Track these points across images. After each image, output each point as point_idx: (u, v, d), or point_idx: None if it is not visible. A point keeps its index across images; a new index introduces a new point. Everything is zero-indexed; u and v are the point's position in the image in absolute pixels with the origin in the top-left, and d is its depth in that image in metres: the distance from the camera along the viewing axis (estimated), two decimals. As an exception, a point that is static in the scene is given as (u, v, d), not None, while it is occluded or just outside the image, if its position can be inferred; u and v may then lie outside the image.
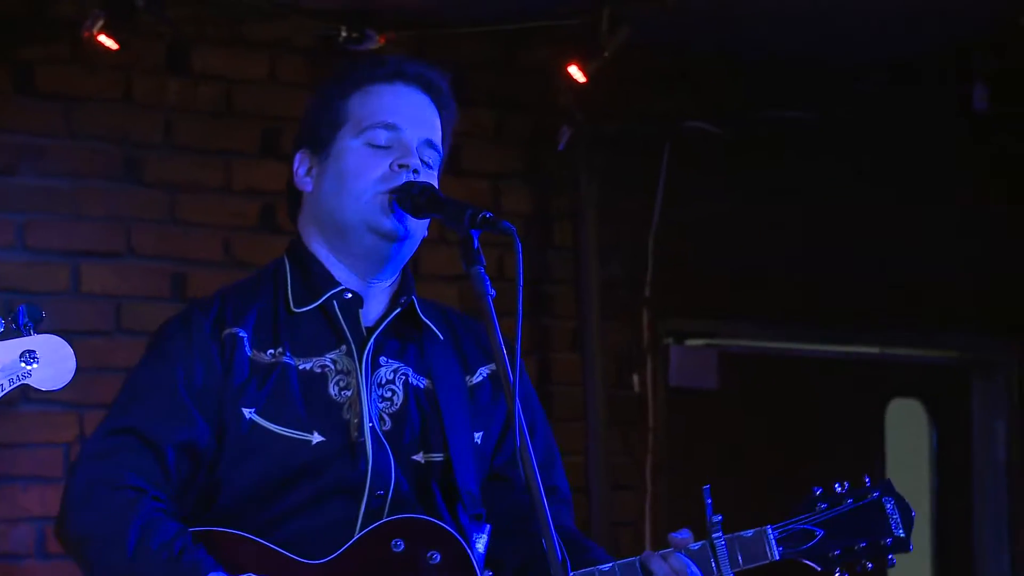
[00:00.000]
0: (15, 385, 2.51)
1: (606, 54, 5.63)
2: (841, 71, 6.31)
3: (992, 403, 7.00)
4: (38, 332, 2.55)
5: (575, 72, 5.73)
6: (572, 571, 2.97)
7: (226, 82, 5.69)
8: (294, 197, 3.24)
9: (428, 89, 3.21)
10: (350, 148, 3.15)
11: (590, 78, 5.73)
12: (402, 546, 3.04)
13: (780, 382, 6.66)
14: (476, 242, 2.91)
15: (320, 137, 3.19)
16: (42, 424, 5.27)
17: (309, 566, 3.01)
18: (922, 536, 6.93)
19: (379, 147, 3.14)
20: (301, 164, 3.20)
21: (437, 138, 3.19)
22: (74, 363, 2.58)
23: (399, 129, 3.14)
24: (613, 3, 5.56)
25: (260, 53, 5.73)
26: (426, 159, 3.15)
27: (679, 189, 6.23)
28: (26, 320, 2.52)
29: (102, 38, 5.23)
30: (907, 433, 6.97)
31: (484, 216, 2.92)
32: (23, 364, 2.51)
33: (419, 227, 3.14)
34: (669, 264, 6.26)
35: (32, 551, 5.30)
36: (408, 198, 3.08)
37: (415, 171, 3.11)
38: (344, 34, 5.55)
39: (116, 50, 5.30)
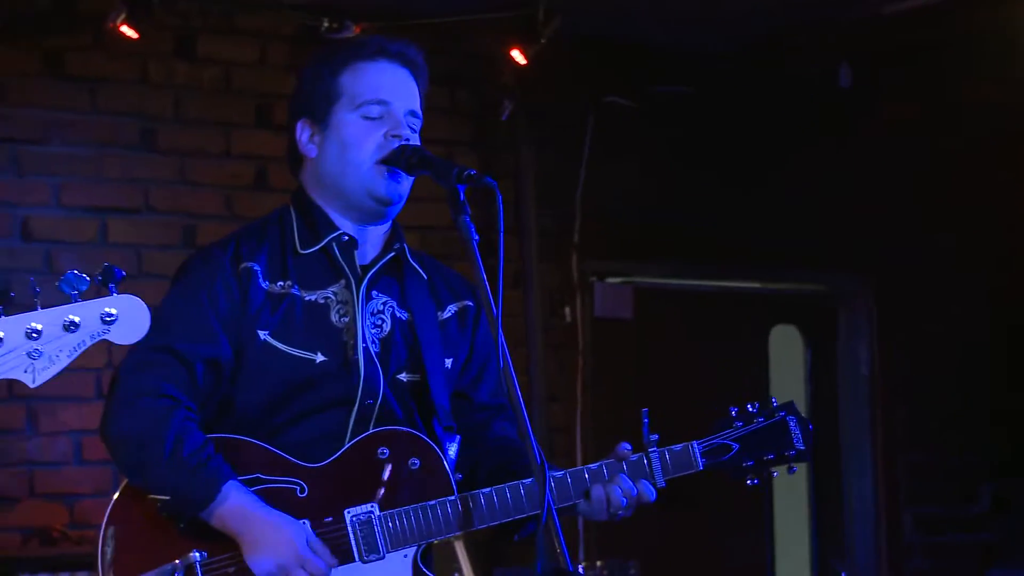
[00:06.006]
0: (95, 340, 2.48)
1: (542, 40, 6.10)
2: (730, 53, 6.78)
3: (854, 328, 7.46)
4: (118, 292, 2.50)
5: (516, 55, 6.19)
6: (520, 475, 3.20)
7: (225, 65, 6.03)
8: (295, 157, 3.38)
9: (407, 63, 3.35)
10: (347, 121, 3.29)
11: (529, 61, 6.20)
12: (387, 453, 3.23)
13: (683, 312, 7.06)
14: (462, 195, 3.03)
15: (317, 109, 3.32)
16: (78, 353, 5.60)
17: (307, 468, 3.20)
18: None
19: (373, 119, 3.28)
20: (303, 132, 3.34)
21: (418, 106, 3.34)
22: (148, 320, 2.50)
23: (388, 103, 3.29)
24: (547, -2, 5.98)
25: (253, 40, 6.08)
26: (412, 126, 3.32)
27: (600, 153, 6.66)
28: (110, 281, 2.47)
29: (123, 28, 5.63)
30: (787, 353, 7.46)
31: (469, 173, 3.05)
32: (103, 323, 2.47)
33: (407, 190, 3.30)
34: (593, 216, 6.68)
35: (71, 459, 5.66)
36: (402, 158, 3.23)
37: (406, 139, 3.28)
38: (326, 24, 5.95)
39: (134, 39, 5.68)
